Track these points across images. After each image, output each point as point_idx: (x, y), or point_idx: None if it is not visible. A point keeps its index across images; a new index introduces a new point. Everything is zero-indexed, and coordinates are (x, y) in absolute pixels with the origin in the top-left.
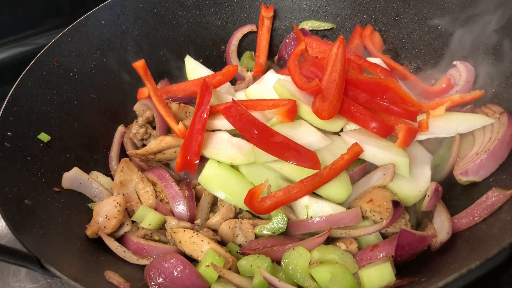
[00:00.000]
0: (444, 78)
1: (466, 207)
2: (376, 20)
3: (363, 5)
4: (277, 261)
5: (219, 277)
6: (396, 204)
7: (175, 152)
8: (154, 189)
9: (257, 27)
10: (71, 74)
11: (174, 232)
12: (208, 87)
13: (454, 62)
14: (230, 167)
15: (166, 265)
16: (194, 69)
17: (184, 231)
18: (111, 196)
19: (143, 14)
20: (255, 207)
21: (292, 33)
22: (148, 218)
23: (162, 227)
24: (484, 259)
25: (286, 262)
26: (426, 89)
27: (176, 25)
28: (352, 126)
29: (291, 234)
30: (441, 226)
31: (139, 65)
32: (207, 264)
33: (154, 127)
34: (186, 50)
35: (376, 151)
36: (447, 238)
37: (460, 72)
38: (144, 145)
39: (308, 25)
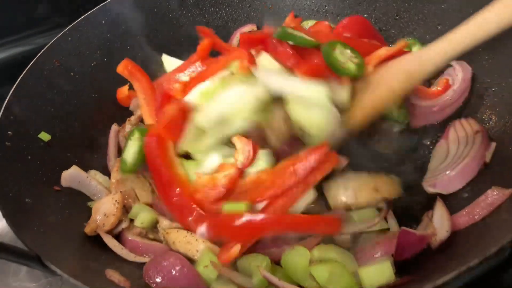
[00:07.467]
0: (442, 78)
1: (465, 205)
2: (376, 20)
3: (363, 5)
4: (276, 261)
5: (218, 276)
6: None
7: None
8: (151, 186)
9: (257, 27)
10: (72, 74)
11: (167, 233)
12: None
13: (451, 62)
14: None
15: (165, 264)
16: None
17: (177, 231)
18: (109, 194)
19: (143, 14)
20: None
21: None
22: (140, 217)
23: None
24: (483, 257)
25: (286, 262)
26: (423, 90)
27: (176, 25)
28: None
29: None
30: (440, 225)
31: (121, 69)
32: (205, 265)
33: None
34: (186, 50)
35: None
36: (447, 236)
37: (457, 72)
38: None
39: (308, 25)
